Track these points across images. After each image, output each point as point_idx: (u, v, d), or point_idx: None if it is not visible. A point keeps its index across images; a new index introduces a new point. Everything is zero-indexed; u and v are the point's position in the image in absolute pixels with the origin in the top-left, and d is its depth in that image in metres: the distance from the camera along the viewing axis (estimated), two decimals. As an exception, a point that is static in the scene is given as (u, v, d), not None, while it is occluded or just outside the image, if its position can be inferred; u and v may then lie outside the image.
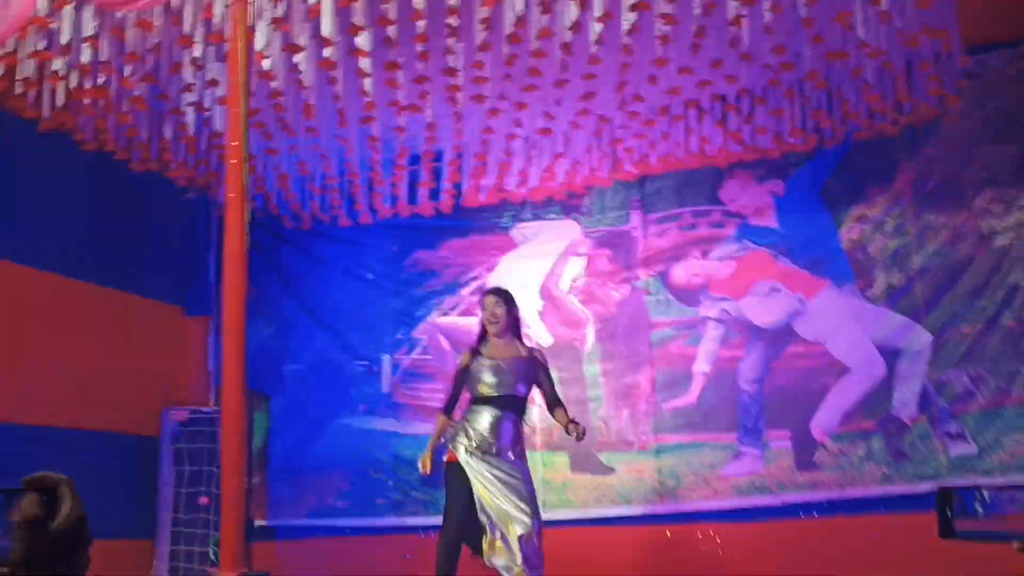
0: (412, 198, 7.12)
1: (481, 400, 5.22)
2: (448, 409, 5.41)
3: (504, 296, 5.39)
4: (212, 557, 6.58)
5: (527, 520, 5.03)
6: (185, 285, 7.66)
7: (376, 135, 6.24)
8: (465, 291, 7.48)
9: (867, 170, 6.76)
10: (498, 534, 5.04)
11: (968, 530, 1.84)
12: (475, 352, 5.33)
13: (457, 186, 7.02)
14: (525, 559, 4.98)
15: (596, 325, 7.21)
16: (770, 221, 6.98)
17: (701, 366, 6.93)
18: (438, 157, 6.93)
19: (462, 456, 5.14)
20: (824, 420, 6.59)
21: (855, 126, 6.31)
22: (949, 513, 1.81)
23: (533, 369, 5.33)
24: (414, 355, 7.48)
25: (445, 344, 7.42)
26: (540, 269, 7.38)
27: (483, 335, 5.38)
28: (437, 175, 7.00)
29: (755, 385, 6.79)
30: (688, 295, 7.08)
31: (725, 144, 6.60)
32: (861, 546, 6.21)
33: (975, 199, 6.49)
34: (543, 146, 6.68)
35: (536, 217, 7.44)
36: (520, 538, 4.99)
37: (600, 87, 5.81)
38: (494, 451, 5.13)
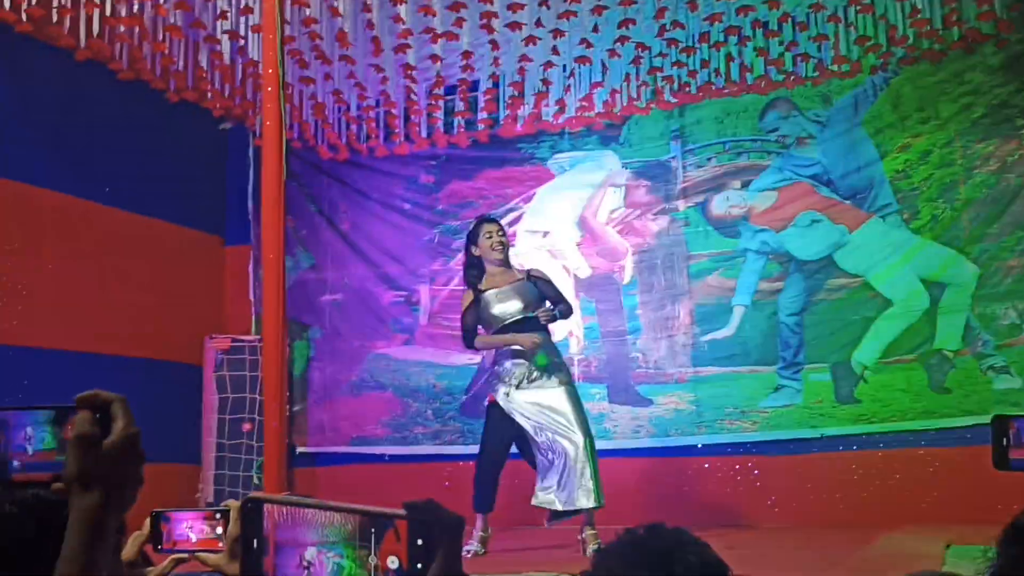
0: (448, 128, 7.07)
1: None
2: (472, 342, 5.36)
3: (498, 224, 5.38)
4: (256, 481, 6.71)
5: (577, 443, 5.00)
6: (224, 215, 7.71)
7: (412, 63, 6.17)
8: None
9: (912, 98, 6.59)
10: (549, 479, 5.02)
11: (1023, 459, 1.80)
12: (475, 290, 5.27)
13: (493, 116, 6.96)
14: (582, 484, 4.94)
15: (634, 256, 7.16)
16: (812, 151, 6.86)
17: (740, 298, 6.87)
18: (474, 87, 6.86)
19: (501, 398, 5.14)
20: (865, 353, 6.52)
21: (901, 53, 6.15)
22: (1006, 443, 1.76)
23: (536, 287, 5.29)
24: (452, 286, 7.49)
25: (483, 275, 7.41)
26: (578, 200, 7.32)
27: (473, 273, 5.30)
28: (473, 105, 6.94)
29: (795, 318, 6.73)
30: (728, 226, 7.00)
31: (766, 72, 6.48)
32: (900, 480, 6.19)
33: (1024, 128, 6.33)
34: (581, 75, 6.60)
35: (574, 148, 7.36)
36: (574, 460, 4.96)
37: (638, 14, 5.69)
38: (532, 379, 5.13)
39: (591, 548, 4.94)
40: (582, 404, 5.24)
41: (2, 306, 5.85)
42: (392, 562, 1.08)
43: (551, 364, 5.19)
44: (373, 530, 1.09)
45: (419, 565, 1.08)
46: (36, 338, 5.94)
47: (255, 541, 1.11)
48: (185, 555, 1.95)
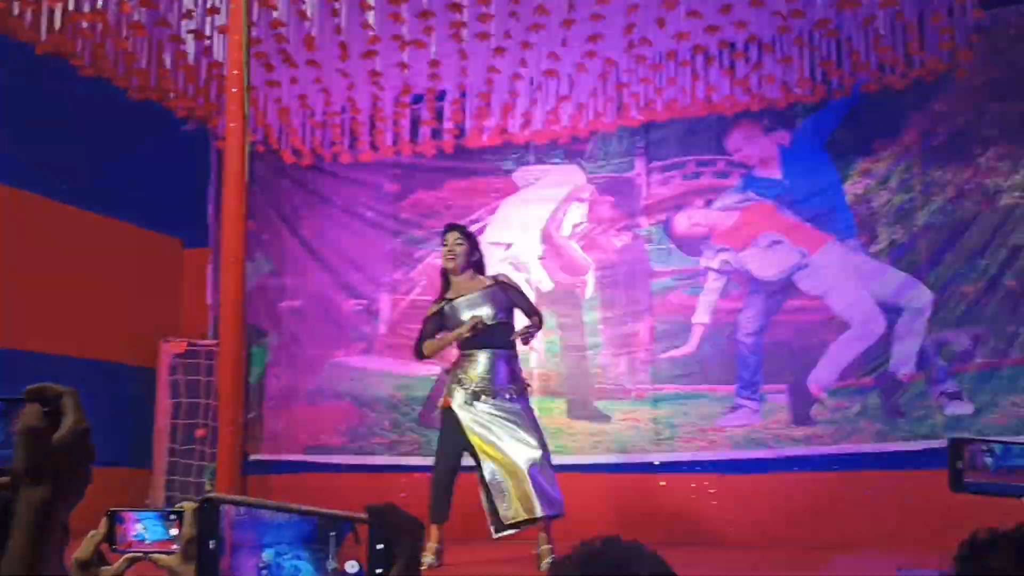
0: (414, 137, 7.04)
1: (468, 342, 5.16)
2: (422, 344, 5.30)
3: (464, 232, 5.37)
4: (208, 488, 6.62)
5: (535, 451, 4.98)
6: (184, 217, 7.62)
7: (379, 71, 6.14)
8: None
9: (874, 124, 6.69)
10: (503, 496, 4.99)
11: (977, 482, 1.81)
12: (443, 299, 5.28)
13: (460, 126, 6.94)
14: (541, 492, 4.92)
15: (597, 272, 7.17)
16: (775, 172, 6.92)
17: (701, 317, 6.91)
18: (441, 96, 6.84)
19: (457, 405, 5.10)
20: (821, 375, 6.58)
21: (864, 78, 6.23)
22: (960, 465, 1.77)
23: (504, 294, 5.27)
24: (412, 296, 7.45)
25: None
26: (542, 214, 7.33)
27: (445, 283, 5.32)
28: (439, 114, 6.91)
29: (754, 337, 6.78)
30: (690, 245, 7.03)
31: (732, 92, 6.51)
32: (854, 502, 6.24)
33: (981, 156, 6.43)
34: (548, 88, 6.59)
35: (539, 161, 7.37)
36: (532, 467, 4.93)
37: (607, 29, 5.71)
38: (492, 392, 5.09)
39: (545, 562, 4.92)
40: (537, 425, 5.21)
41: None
42: (351, 566, 1.05)
43: (511, 386, 5.15)
44: (332, 533, 1.07)
45: (378, 570, 1.05)
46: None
47: (211, 542, 1.08)
48: (140, 555, 1.91)
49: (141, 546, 1.88)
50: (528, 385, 5.39)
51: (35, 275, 6.22)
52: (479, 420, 5.06)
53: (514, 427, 5.04)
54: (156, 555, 1.88)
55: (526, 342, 5.35)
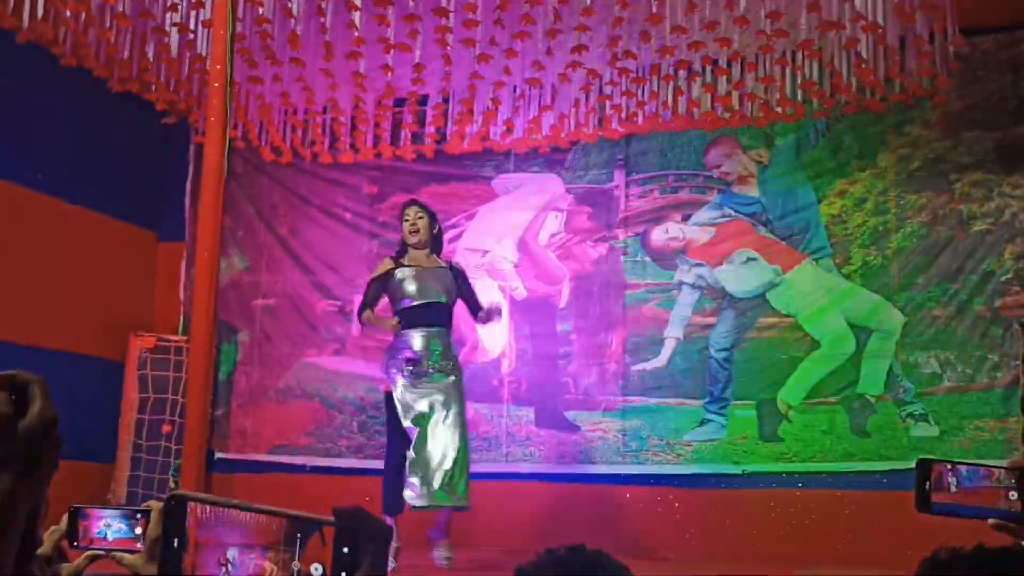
0: (395, 140, 7.03)
1: (406, 316, 5.24)
2: (363, 312, 5.43)
3: (426, 210, 5.52)
4: (172, 485, 6.56)
5: (458, 442, 5.09)
6: (159, 211, 7.57)
7: (362, 72, 6.13)
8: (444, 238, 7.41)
9: (852, 146, 6.75)
10: (416, 478, 5.04)
11: (943, 503, 1.82)
12: (396, 261, 5.40)
13: (441, 131, 6.92)
14: (450, 489, 4.98)
15: (572, 282, 7.19)
16: (752, 190, 6.97)
17: (673, 331, 6.93)
18: (423, 101, 6.83)
19: (397, 393, 5.17)
20: (790, 393, 6.62)
21: (844, 100, 6.28)
22: (928, 486, 1.78)
23: (453, 278, 5.43)
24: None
25: (418, 290, 7.37)
26: (519, 222, 7.34)
27: (397, 250, 5.48)
28: (421, 119, 6.91)
29: (725, 353, 6.81)
30: (665, 259, 7.06)
31: (713, 109, 6.54)
32: (818, 520, 6.28)
33: (957, 183, 6.50)
34: (531, 97, 6.60)
35: (519, 169, 7.38)
36: (451, 457, 5.05)
37: (592, 40, 5.73)
38: (428, 370, 5.18)
39: (443, 559, 4.97)
40: (464, 406, 5.30)
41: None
42: (316, 568, 1.05)
43: (446, 363, 5.26)
44: (299, 535, 1.06)
45: (343, 573, 1.05)
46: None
47: (176, 540, 1.07)
48: (101, 553, 1.89)
49: (103, 543, 1.86)
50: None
51: (4, 262, 6.15)
52: (414, 400, 5.13)
53: (445, 411, 5.12)
54: (119, 554, 1.86)
55: (485, 322, 5.55)
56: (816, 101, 6.30)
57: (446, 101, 6.76)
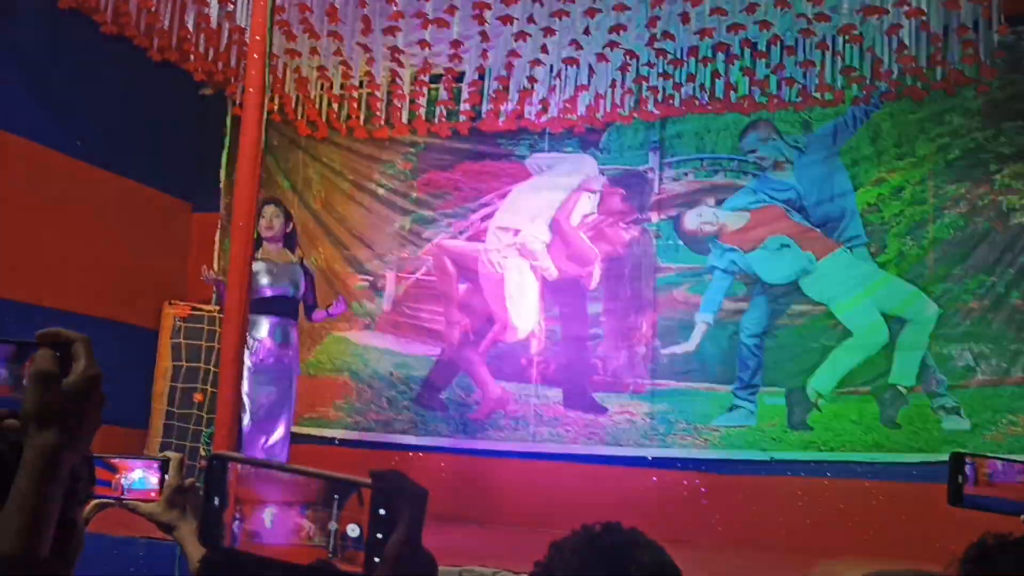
0: (430, 117, 7.03)
1: (256, 306, 5.50)
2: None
3: (283, 209, 5.87)
4: (203, 453, 6.63)
5: (281, 430, 5.55)
6: (195, 181, 7.61)
7: (400, 47, 6.13)
8: (475, 216, 7.43)
9: (891, 134, 6.67)
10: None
11: (975, 497, 1.81)
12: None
13: (476, 109, 6.92)
14: None
15: (603, 264, 7.17)
16: (788, 176, 6.91)
17: (704, 315, 6.90)
18: (460, 77, 6.82)
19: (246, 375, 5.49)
20: (821, 381, 6.58)
21: (884, 87, 6.20)
22: (961, 479, 1.77)
23: (302, 275, 5.79)
24: (419, 275, 7.46)
25: (451, 267, 7.39)
26: (552, 201, 7.32)
27: (257, 244, 5.69)
28: (457, 95, 6.90)
29: (756, 339, 6.78)
30: (698, 243, 7.03)
31: (750, 93, 6.49)
32: (844, 509, 6.25)
33: (997, 174, 6.41)
34: (567, 76, 6.57)
35: (553, 148, 7.36)
36: (272, 444, 5.50)
37: (631, 21, 5.69)
38: (271, 358, 5.56)
39: None
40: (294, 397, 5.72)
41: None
42: (352, 530, 1.06)
43: (284, 352, 5.64)
44: (336, 496, 1.07)
45: (379, 535, 1.06)
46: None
47: (217, 498, 1.08)
48: (111, 501, 1.92)
49: (114, 493, 1.89)
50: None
51: (45, 230, 6.23)
52: (253, 387, 5.50)
53: (279, 397, 5.58)
54: (134, 502, 1.89)
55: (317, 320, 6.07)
56: (856, 87, 6.23)
57: (482, 78, 6.75)
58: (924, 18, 5.35)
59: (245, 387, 5.41)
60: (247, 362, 5.46)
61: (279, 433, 5.59)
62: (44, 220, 6.24)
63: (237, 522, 1.08)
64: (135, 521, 1.98)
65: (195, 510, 1.90)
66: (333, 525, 1.06)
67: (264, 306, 5.58)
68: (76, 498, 1.83)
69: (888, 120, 6.66)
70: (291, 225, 5.86)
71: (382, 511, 1.05)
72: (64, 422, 1.18)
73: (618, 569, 1.55)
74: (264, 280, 5.64)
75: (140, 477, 1.95)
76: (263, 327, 5.60)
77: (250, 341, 5.43)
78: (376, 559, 1.05)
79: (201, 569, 1.46)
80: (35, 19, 5.89)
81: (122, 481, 1.94)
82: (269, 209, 5.73)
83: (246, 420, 5.44)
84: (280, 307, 5.68)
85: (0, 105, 5.90)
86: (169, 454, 1.97)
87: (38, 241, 6.18)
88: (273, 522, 1.07)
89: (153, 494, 1.93)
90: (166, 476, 1.94)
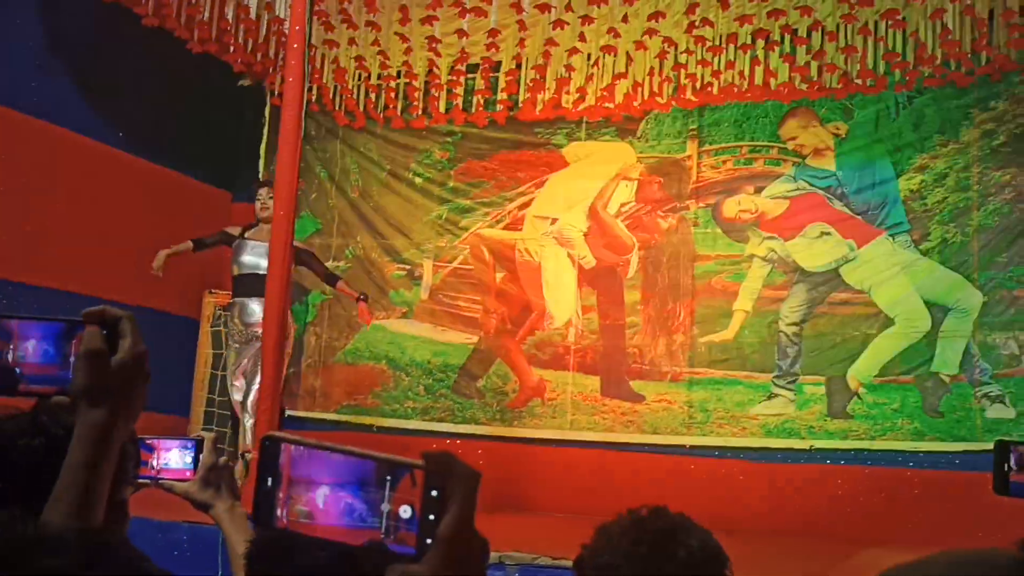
0: (467, 106, 7.04)
1: (239, 285, 5.75)
2: (199, 245, 6.03)
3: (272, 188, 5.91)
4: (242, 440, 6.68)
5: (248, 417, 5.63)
6: (235, 171, 7.67)
7: (437, 36, 6.14)
8: (512, 205, 7.42)
9: (934, 120, 6.58)
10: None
11: (1022, 485, 1.78)
12: (244, 229, 5.97)
13: (513, 98, 6.92)
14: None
15: (640, 252, 7.14)
16: (828, 163, 6.84)
17: (742, 303, 6.86)
18: (497, 66, 6.82)
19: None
20: (862, 369, 6.51)
21: (927, 72, 6.12)
22: (1007, 468, 1.74)
23: (299, 257, 5.79)
24: (456, 264, 7.48)
25: (488, 256, 7.39)
26: (589, 190, 7.30)
27: (253, 224, 5.94)
28: (494, 84, 6.90)
29: (795, 327, 6.73)
30: (737, 231, 6.98)
31: (790, 79, 6.44)
32: (884, 498, 6.19)
33: (1044, 161, 6.31)
34: (605, 64, 6.55)
35: (590, 137, 7.33)
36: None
37: (669, 8, 5.66)
38: (255, 336, 5.58)
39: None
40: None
41: (9, 242, 5.83)
42: (404, 511, 1.06)
43: (251, 331, 5.72)
44: (388, 477, 1.07)
45: (431, 516, 1.06)
46: (39, 276, 5.92)
47: (269, 479, 1.09)
48: (147, 481, 1.93)
49: (149, 472, 1.91)
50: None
51: (89, 220, 6.31)
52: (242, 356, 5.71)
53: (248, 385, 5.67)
54: (169, 482, 1.91)
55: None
56: (898, 73, 6.17)
57: (519, 67, 6.74)
58: (969, 2, 5.27)
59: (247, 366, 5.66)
60: (234, 345, 5.80)
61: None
62: (87, 210, 6.32)
63: (290, 503, 1.08)
64: (173, 503, 2.00)
65: (230, 489, 1.92)
66: (386, 506, 1.06)
67: (247, 285, 5.75)
68: (125, 478, 1.87)
69: (931, 106, 6.57)
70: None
71: (434, 492, 1.06)
72: (114, 399, 1.19)
73: (665, 551, 1.56)
74: (246, 258, 5.84)
75: (175, 457, 1.97)
76: (246, 309, 5.79)
77: (239, 324, 5.73)
78: (428, 540, 1.05)
79: (254, 549, 1.48)
80: (78, 12, 5.95)
81: (158, 461, 1.96)
82: (264, 191, 5.84)
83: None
84: (262, 286, 5.75)
85: (45, 97, 5.98)
86: (203, 433, 1.99)
87: (81, 230, 6.26)
88: (325, 503, 1.07)
89: (188, 474, 1.94)
90: (200, 456, 1.96)
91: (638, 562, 1.53)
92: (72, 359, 1.27)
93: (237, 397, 5.86)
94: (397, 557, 1.06)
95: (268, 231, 5.65)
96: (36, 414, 1.86)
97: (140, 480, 1.94)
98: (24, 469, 1.51)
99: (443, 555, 1.06)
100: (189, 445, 1.98)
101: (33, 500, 1.20)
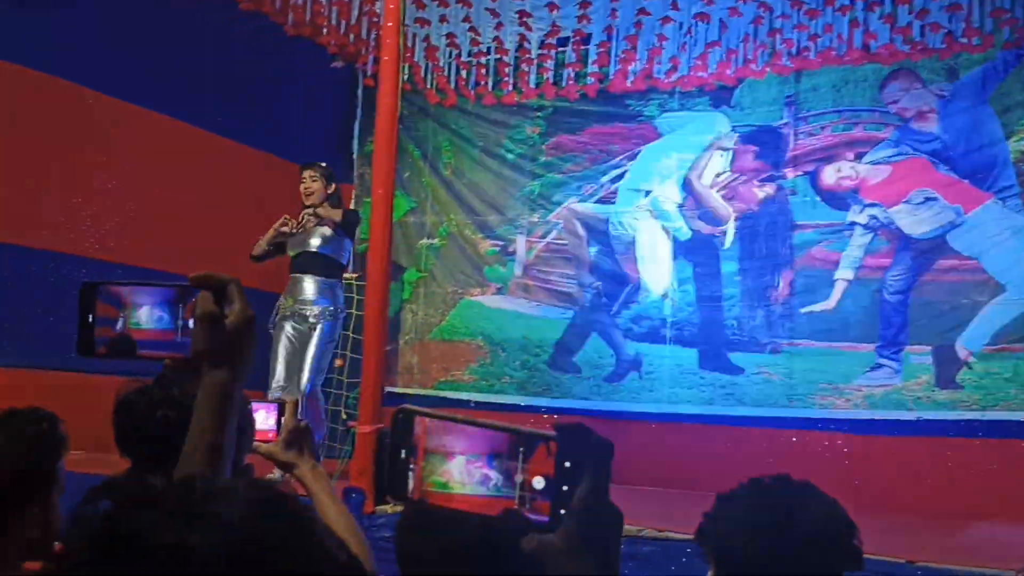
0: (558, 80, 7.00)
1: (292, 265, 5.63)
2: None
3: (321, 171, 5.73)
4: (344, 416, 6.80)
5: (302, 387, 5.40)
6: (330, 153, 7.76)
7: (528, 11, 6.11)
8: (605, 179, 7.37)
9: (1046, 78, 6.31)
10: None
11: None
12: (300, 220, 5.75)
13: (604, 70, 6.86)
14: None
15: (737, 222, 7.03)
16: (932, 126, 6.62)
17: (843, 272, 6.71)
18: (588, 39, 6.76)
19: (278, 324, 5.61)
20: (971, 338, 6.31)
21: (1038, 28, 5.88)
22: None
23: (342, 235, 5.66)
24: (549, 239, 7.47)
25: (581, 230, 7.37)
26: (683, 161, 7.20)
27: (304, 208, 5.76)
28: (585, 57, 6.85)
29: (900, 296, 6.55)
30: (837, 198, 6.81)
31: (891, 41, 6.24)
32: (996, 471, 6.01)
33: None
34: (698, 32, 6.45)
35: (683, 107, 7.22)
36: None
37: (766, -29, 5.54)
38: (306, 314, 5.52)
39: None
40: (320, 363, 5.55)
41: (107, 223, 6.02)
42: (538, 482, 1.07)
43: (312, 309, 5.55)
44: (521, 448, 1.08)
45: (565, 487, 1.06)
46: (139, 257, 6.11)
47: (403, 451, 1.11)
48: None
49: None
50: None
51: (186, 203, 6.45)
52: (288, 338, 5.56)
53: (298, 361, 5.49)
54: (256, 442, 1.98)
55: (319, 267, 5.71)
56: (1007, 30, 5.93)
57: (610, 39, 6.67)
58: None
59: (312, 351, 5.50)
60: (288, 329, 5.60)
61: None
62: (183, 193, 6.46)
63: (425, 473, 1.10)
64: (256, 461, 2.06)
65: (311, 450, 1.97)
66: (520, 476, 1.07)
67: (300, 266, 5.64)
68: (246, 444, 1.92)
69: (1043, 63, 6.30)
70: (333, 187, 5.75)
71: (567, 463, 1.06)
72: (231, 360, 1.22)
73: (787, 519, 1.53)
74: (298, 239, 5.69)
75: (260, 419, 2.04)
76: (307, 287, 5.62)
77: (289, 301, 5.58)
78: (562, 511, 1.06)
79: (404, 522, 1.50)
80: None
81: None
82: (307, 174, 5.72)
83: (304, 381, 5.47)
84: (300, 263, 5.69)
85: (137, 81, 6.12)
86: (284, 397, 2.04)
87: (177, 212, 6.41)
88: (462, 473, 1.08)
89: (272, 435, 2.01)
90: (282, 419, 2.02)
91: (764, 531, 1.51)
92: (185, 323, 1.29)
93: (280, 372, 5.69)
94: (532, 526, 1.06)
95: (309, 213, 5.71)
96: (166, 384, 1.93)
97: None
98: (161, 440, 1.55)
99: (577, 525, 1.06)
100: (273, 408, 2.05)
101: (170, 467, 1.24)
